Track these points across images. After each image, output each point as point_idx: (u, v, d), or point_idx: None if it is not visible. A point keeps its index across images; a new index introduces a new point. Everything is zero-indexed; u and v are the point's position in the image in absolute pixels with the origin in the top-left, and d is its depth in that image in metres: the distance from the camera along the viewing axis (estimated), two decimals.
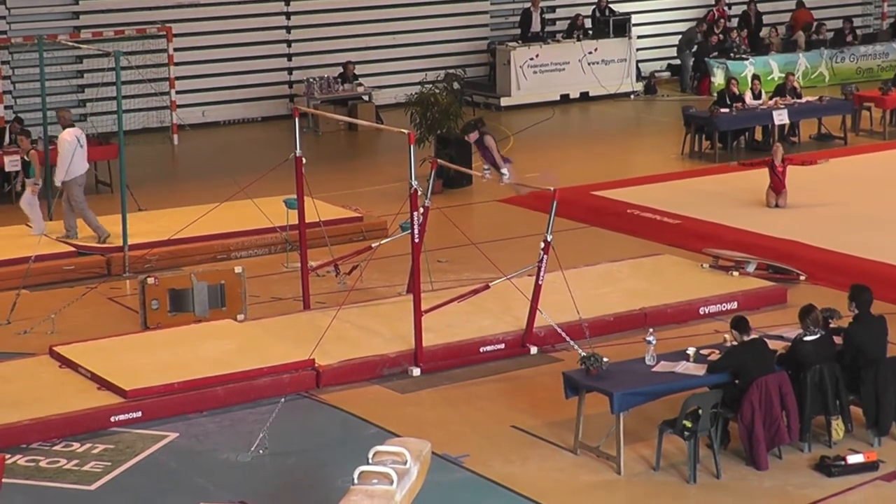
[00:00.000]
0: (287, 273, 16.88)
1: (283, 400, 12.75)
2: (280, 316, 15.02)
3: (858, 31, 31.19)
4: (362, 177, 22.10)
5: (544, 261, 13.79)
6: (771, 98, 23.86)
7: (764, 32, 29.96)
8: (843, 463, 11.31)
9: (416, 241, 13.60)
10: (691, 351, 12.02)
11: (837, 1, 31.78)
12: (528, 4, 28.64)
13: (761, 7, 30.89)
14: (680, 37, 29.40)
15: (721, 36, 29.01)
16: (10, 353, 14.23)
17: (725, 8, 30.53)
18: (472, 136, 15.21)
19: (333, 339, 13.61)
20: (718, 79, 27.49)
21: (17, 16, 24.79)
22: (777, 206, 19.17)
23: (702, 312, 15.09)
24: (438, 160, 16.02)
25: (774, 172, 19.12)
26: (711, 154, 23.03)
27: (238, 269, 15.20)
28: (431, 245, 15.95)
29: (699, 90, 28.53)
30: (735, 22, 30.41)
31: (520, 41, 28.12)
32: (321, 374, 13.31)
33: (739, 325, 11.61)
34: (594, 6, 29.16)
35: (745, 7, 30.53)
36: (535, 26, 28.44)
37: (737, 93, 23.72)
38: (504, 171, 15.09)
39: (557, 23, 29.38)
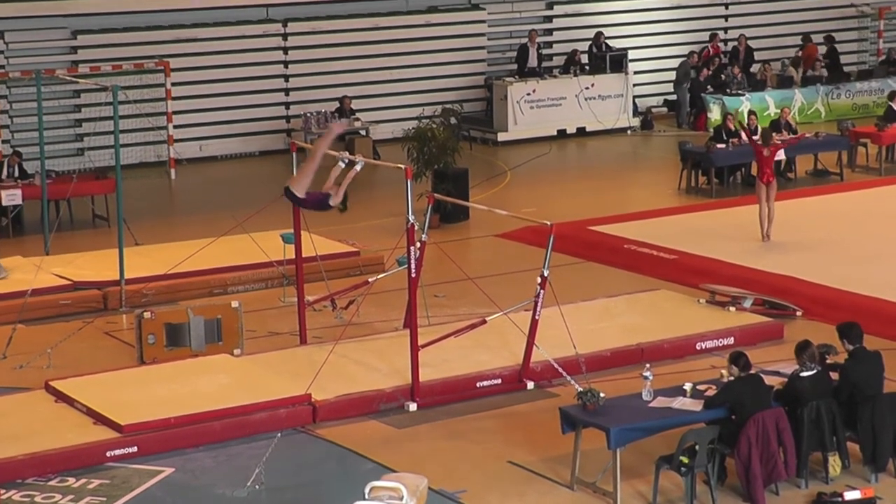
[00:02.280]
0: (284, 307, 16.87)
1: (279, 435, 12.73)
2: (277, 351, 15.00)
3: (855, 68, 31.37)
4: (359, 211, 22.10)
5: (541, 296, 13.79)
6: None
7: (756, 69, 30.07)
8: (840, 499, 11.29)
9: (413, 275, 13.61)
10: (688, 386, 12.02)
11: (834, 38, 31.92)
12: (525, 40, 28.74)
13: (761, 43, 31.06)
14: (675, 72, 29.47)
15: (713, 72, 29.09)
16: (5, 387, 14.20)
17: (721, 44, 30.64)
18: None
19: (330, 373, 13.59)
20: (715, 114, 27.57)
21: (16, 50, 24.87)
22: (769, 228, 18.93)
23: (698, 348, 15.09)
24: (435, 195, 16.04)
25: (762, 158, 18.86)
26: (708, 189, 23.07)
27: (235, 304, 15.19)
28: (428, 280, 15.96)
29: (695, 126, 28.58)
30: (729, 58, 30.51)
31: (517, 76, 28.20)
32: (318, 409, 13.28)
33: (739, 360, 11.60)
34: (591, 42, 29.27)
35: (735, 43, 30.70)
36: (532, 62, 28.54)
37: (732, 128, 23.78)
38: (358, 161, 14.19)
39: (554, 58, 29.47)
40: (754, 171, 23.67)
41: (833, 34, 31.41)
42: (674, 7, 30.82)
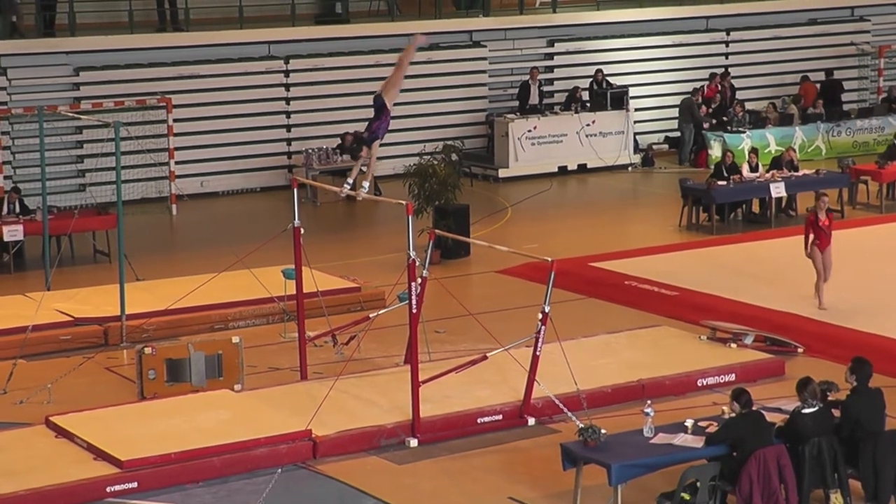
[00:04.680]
0: (285, 343, 16.86)
1: (279, 471, 12.70)
2: (277, 386, 14.98)
3: (855, 105, 31.45)
4: (360, 247, 22.14)
5: (542, 332, 13.78)
6: (768, 171, 23.97)
7: (761, 106, 30.14)
8: None
9: (414, 311, 13.61)
10: (689, 423, 12.00)
11: (835, 76, 31.97)
12: (526, 77, 28.82)
13: (761, 81, 31.17)
14: (679, 109, 29.48)
15: (713, 110, 29.17)
16: (6, 422, 14.18)
17: (720, 83, 30.70)
18: (365, 152, 14.86)
19: (331, 409, 13.58)
20: (716, 152, 27.62)
21: (18, 87, 24.93)
22: (824, 281, 17.96)
23: (700, 384, 15.07)
24: (436, 231, 16.07)
25: (819, 227, 17.90)
26: (709, 226, 23.09)
27: (235, 339, 15.18)
28: (429, 315, 15.95)
29: (696, 163, 28.63)
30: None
31: (518, 113, 28.27)
32: (318, 445, 13.26)
33: (740, 397, 11.59)
34: (592, 79, 29.36)
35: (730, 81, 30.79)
36: (534, 99, 28.60)
37: (729, 162, 23.81)
38: (365, 183, 14.77)
39: (555, 95, 29.55)
40: (755, 208, 23.84)
41: (833, 70, 31.57)
42: (674, 45, 30.94)
